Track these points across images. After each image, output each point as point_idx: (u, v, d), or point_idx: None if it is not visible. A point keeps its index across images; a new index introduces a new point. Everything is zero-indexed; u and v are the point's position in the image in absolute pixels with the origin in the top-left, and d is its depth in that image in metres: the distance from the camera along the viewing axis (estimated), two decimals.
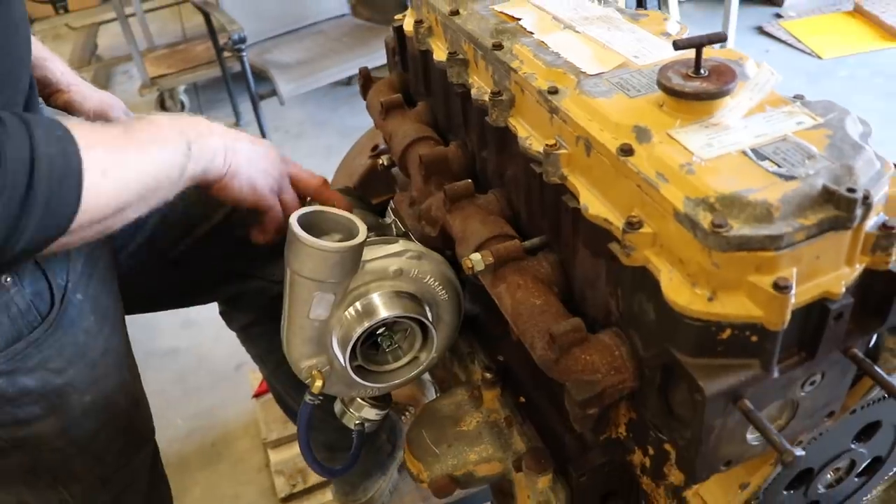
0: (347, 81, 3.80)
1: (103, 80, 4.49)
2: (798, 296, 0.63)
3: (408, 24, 1.23)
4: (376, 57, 3.02)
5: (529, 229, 0.96)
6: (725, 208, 0.63)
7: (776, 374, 0.67)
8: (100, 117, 1.31)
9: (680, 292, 0.66)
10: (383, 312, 0.93)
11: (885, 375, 0.69)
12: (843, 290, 0.65)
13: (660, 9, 3.67)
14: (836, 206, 0.63)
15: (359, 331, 0.93)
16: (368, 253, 0.94)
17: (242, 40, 2.78)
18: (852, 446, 0.90)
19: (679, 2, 3.97)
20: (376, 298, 0.94)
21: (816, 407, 0.76)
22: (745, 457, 0.75)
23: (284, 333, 0.95)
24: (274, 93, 3.00)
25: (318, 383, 0.96)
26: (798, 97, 0.77)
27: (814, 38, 3.78)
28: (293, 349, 0.95)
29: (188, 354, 2.56)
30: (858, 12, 4.00)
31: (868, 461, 0.94)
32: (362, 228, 0.91)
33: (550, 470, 0.90)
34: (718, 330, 0.65)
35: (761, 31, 4.02)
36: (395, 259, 0.96)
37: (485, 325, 1.16)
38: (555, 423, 0.98)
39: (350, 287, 0.93)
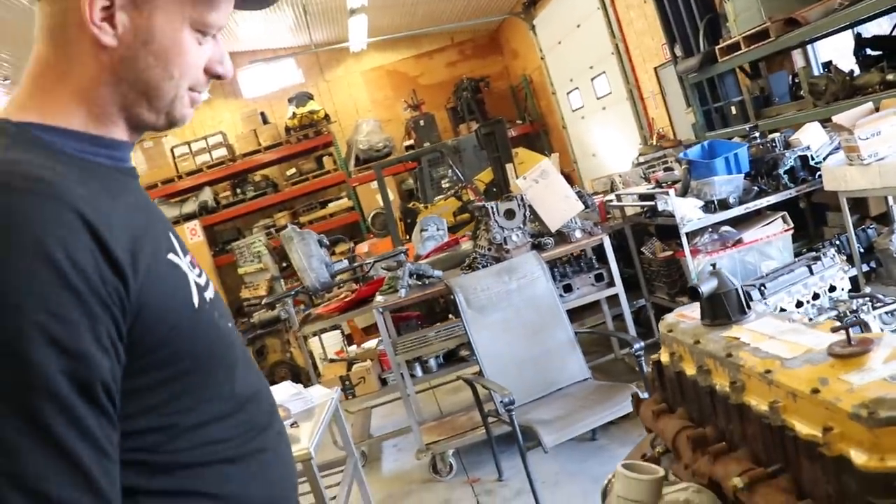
0: (592, 437, 4.38)
1: (376, 453, 5.37)
2: None
3: (664, 357, 1.86)
4: (619, 409, 3.62)
5: (767, 462, 1.46)
6: (875, 405, 1.16)
7: None
8: None
9: (861, 460, 1.16)
10: None
11: None
12: None
13: None
14: None
15: None
16: (666, 489, 1.47)
17: (512, 402, 3.50)
18: None
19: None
20: None
21: None
22: None
23: None
24: (535, 445, 3.62)
25: None
26: None
27: None
28: None
29: None
30: None
31: None
32: (660, 470, 1.46)
33: None
34: (891, 479, 1.13)
35: None
36: (683, 492, 1.48)
37: None
38: None
39: None
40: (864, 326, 4.17)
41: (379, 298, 4.64)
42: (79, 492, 0.86)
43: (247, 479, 1.10)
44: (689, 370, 1.74)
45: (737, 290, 1.72)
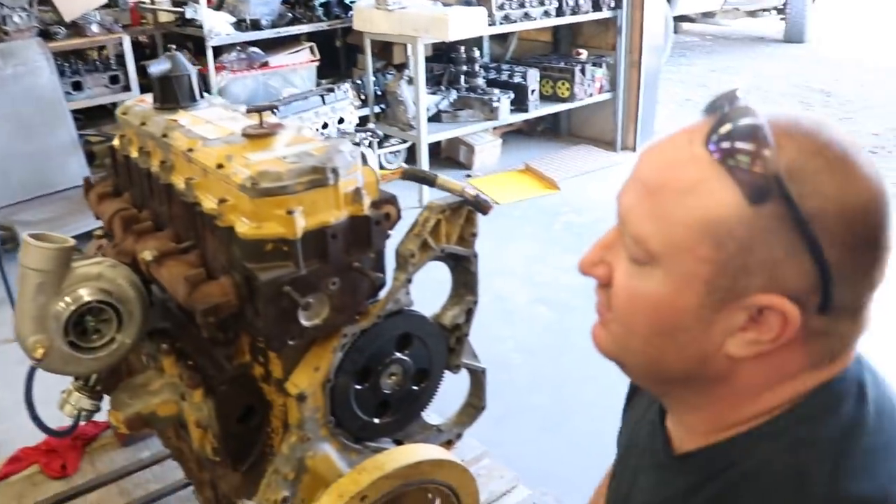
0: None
1: None
2: (307, 221, 1.20)
3: (117, 142, 1.77)
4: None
5: (185, 240, 1.48)
6: (260, 177, 1.21)
7: (304, 272, 1.23)
8: None
9: (243, 228, 1.22)
10: (86, 297, 1.40)
11: (363, 268, 1.27)
12: (335, 221, 1.24)
13: None
14: (317, 174, 1.22)
15: (69, 311, 1.38)
16: (78, 262, 1.42)
17: None
18: (397, 354, 1.46)
19: (381, 168, 4.72)
20: (82, 290, 1.41)
21: (347, 305, 1.31)
22: (307, 335, 1.29)
23: (15, 316, 1.38)
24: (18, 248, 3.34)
25: (40, 351, 1.38)
26: (329, 137, 1.38)
27: (495, 189, 4.72)
28: (22, 327, 1.38)
29: None
30: (529, 170, 5.07)
31: (417, 370, 1.50)
32: (70, 241, 1.40)
33: (201, 386, 1.39)
34: (264, 244, 1.20)
35: None
36: (96, 266, 1.44)
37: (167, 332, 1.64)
38: (205, 361, 1.46)
39: (64, 284, 1.40)
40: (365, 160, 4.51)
41: None
42: None
43: None
44: (135, 153, 1.68)
45: (189, 76, 1.68)
